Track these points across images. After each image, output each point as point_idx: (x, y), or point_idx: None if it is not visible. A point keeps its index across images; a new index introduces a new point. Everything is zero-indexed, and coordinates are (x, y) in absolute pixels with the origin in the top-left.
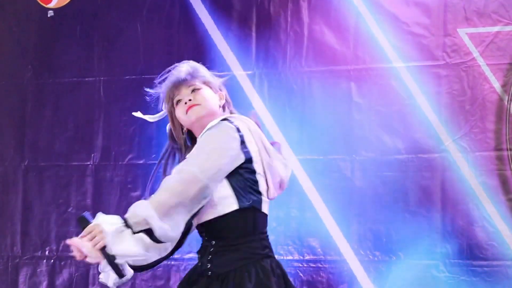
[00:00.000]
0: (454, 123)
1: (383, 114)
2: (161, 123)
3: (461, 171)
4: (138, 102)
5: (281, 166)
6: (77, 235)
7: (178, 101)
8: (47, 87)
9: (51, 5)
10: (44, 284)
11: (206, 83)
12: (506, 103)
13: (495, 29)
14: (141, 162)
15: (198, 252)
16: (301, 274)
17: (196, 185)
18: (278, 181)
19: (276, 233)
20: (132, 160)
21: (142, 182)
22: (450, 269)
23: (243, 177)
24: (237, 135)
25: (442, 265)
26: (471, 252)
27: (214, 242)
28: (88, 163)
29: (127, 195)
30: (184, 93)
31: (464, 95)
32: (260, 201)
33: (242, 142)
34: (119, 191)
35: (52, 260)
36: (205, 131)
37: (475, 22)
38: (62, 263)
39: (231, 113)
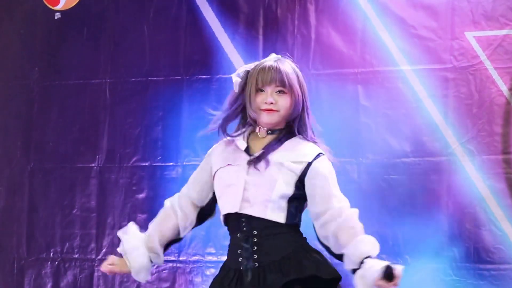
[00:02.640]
0: (461, 126)
1: (390, 117)
2: (166, 124)
3: (468, 175)
4: (143, 104)
5: None
6: (81, 237)
7: (261, 90)
8: (54, 89)
9: (58, 7)
10: (49, 285)
11: (294, 90)
12: None
13: (503, 32)
14: (146, 164)
15: (231, 247)
16: None
17: None
18: None
19: None
20: (137, 162)
21: (147, 184)
22: (457, 273)
23: (302, 200)
24: None
25: (449, 269)
26: (478, 255)
27: (255, 232)
28: (93, 165)
29: (132, 197)
30: (271, 89)
31: (471, 98)
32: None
33: None
34: (124, 193)
35: (56, 262)
36: (316, 163)
37: (482, 26)
38: (66, 265)
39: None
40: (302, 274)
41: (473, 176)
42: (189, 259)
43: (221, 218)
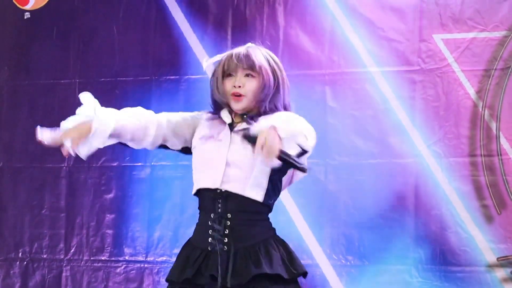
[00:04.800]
0: (428, 128)
1: (357, 118)
2: None
3: (434, 177)
4: (113, 104)
5: None
6: (50, 237)
7: (230, 75)
8: (23, 88)
9: (27, 7)
10: (17, 285)
11: (263, 72)
12: (480, 109)
13: (471, 35)
14: (114, 164)
15: (201, 226)
16: None
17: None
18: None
19: None
20: (106, 163)
21: (115, 184)
22: (423, 275)
23: (279, 175)
24: None
25: (414, 270)
26: (444, 257)
27: (230, 215)
28: (63, 165)
29: (100, 197)
30: (239, 74)
31: (438, 100)
32: (276, 199)
33: None
34: (93, 193)
35: (25, 262)
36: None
37: (450, 28)
38: (35, 265)
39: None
40: (272, 269)
41: (439, 178)
42: (157, 259)
43: (194, 190)
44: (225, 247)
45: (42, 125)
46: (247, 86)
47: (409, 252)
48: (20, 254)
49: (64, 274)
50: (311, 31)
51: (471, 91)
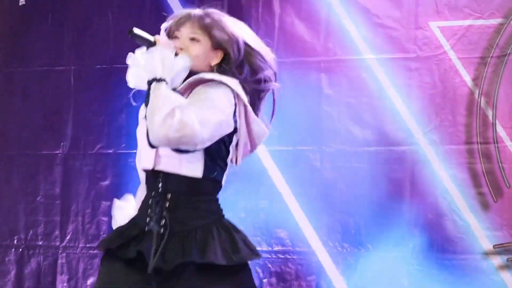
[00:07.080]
0: (424, 116)
1: (353, 106)
2: (131, 112)
3: (431, 164)
4: (108, 91)
5: (258, 127)
6: (45, 224)
7: (176, 37)
8: (17, 75)
9: None
10: (12, 273)
11: (212, 36)
12: (477, 97)
13: (467, 22)
14: (110, 151)
15: (144, 203)
16: (269, 265)
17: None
18: (248, 148)
19: (244, 224)
20: (102, 150)
21: (111, 172)
22: (419, 262)
23: (218, 146)
24: (233, 101)
25: (411, 258)
26: (440, 245)
27: (170, 195)
28: (57, 152)
29: (96, 184)
30: (184, 36)
31: (435, 88)
32: (223, 172)
33: (235, 111)
34: (88, 181)
35: (20, 249)
36: (200, 86)
37: (446, 16)
38: (30, 252)
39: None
40: (201, 258)
41: (436, 166)
42: None
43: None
44: (162, 229)
45: (36, 112)
46: (191, 50)
47: (405, 239)
48: (15, 241)
49: (59, 261)
50: (307, 18)
51: (467, 79)
